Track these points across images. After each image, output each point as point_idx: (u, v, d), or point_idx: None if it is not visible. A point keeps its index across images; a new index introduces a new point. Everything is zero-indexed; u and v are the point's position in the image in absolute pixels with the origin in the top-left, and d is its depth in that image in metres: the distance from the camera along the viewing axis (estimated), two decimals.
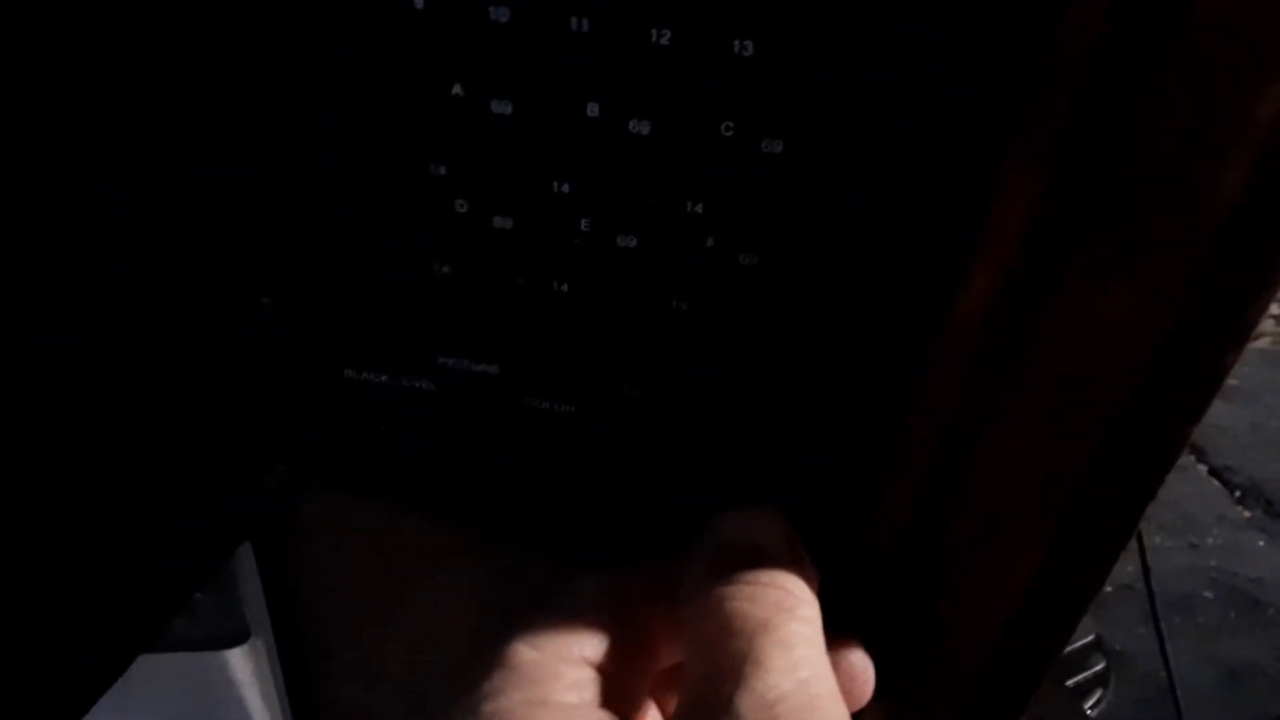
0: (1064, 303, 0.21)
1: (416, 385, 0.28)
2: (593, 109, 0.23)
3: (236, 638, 0.39)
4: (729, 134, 0.23)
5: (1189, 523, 2.12)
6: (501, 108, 0.23)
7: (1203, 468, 2.29)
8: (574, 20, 0.22)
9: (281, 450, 0.31)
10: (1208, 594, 1.95)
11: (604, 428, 0.28)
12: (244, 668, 0.40)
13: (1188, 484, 2.22)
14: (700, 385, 0.27)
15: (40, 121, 0.23)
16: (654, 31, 0.22)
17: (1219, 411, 2.35)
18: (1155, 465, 0.23)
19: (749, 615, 0.22)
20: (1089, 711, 1.56)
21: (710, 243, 0.24)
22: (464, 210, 0.25)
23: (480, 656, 0.24)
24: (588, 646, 0.24)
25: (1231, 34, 0.17)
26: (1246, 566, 2.02)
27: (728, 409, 0.27)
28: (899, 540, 0.27)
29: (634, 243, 0.25)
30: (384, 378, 0.28)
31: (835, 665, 0.25)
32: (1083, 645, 1.61)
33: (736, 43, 0.22)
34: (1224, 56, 0.18)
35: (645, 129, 0.23)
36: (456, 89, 0.23)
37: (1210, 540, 2.09)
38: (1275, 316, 2.62)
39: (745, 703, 0.20)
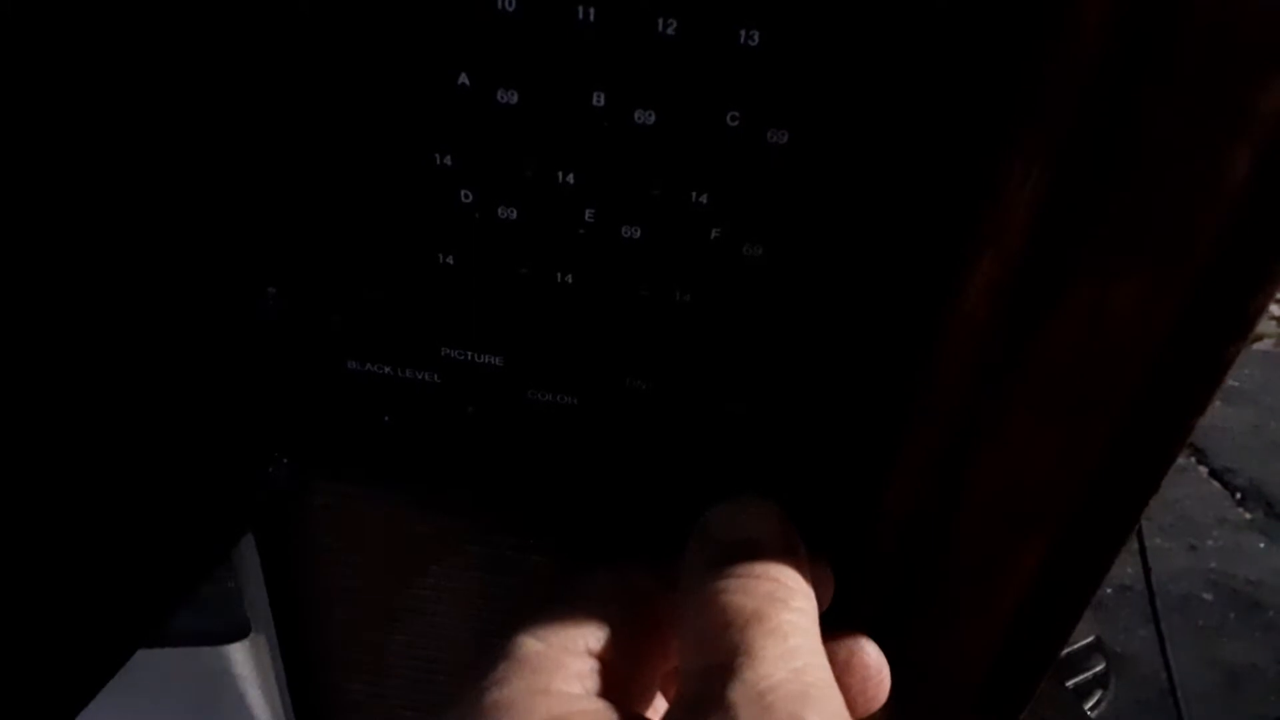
0: (1067, 299, 0.21)
1: (420, 377, 0.28)
2: (598, 98, 0.23)
3: (238, 632, 0.39)
4: (734, 124, 0.23)
5: (1189, 524, 2.12)
6: (507, 97, 0.23)
7: (1203, 469, 2.29)
8: (580, 9, 0.22)
9: (285, 442, 0.31)
10: (1208, 595, 1.95)
11: (606, 420, 0.28)
12: (245, 662, 0.40)
13: (1188, 485, 2.22)
14: (703, 377, 0.27)
15: (42, 117, 0.23)
16: (660, 21, 0.22)
17: (1220, 413, 2.36)
18: (1157, 460, 0.23)
19: (742, 607, 0.22)
20: (1089, 712, 1.55)
21: (715, 234, 0.24)
22: (469, 200, 0.25)
23: (486, 648, 0.24)
24: (593, 638, 0.24)
25: (1232, 34, 0.17)
26: (1247, 568, 2.02)
27: (731, 401, 0.27)
28: (900, 537, 0.27)
29: (638, 234, 0.25)
30: (387, 369, 0.28)
31: (849, 663, 0.25)
32: (1083, 646, 1.61)
33: (743, 33, 0.22)
34: (1226, 56, 0.18)
35: (650, 119, 0.23)
36: (463, 79, 0.23)
37: (1210, 542, 2.09)
38: (1277, 318, 2.63)
39: (738, 693, 0.20)
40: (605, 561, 0.26)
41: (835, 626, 0.25)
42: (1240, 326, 0.20)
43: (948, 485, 0.25)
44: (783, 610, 0.22)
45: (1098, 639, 1.64)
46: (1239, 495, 2.23)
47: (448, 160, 0.24)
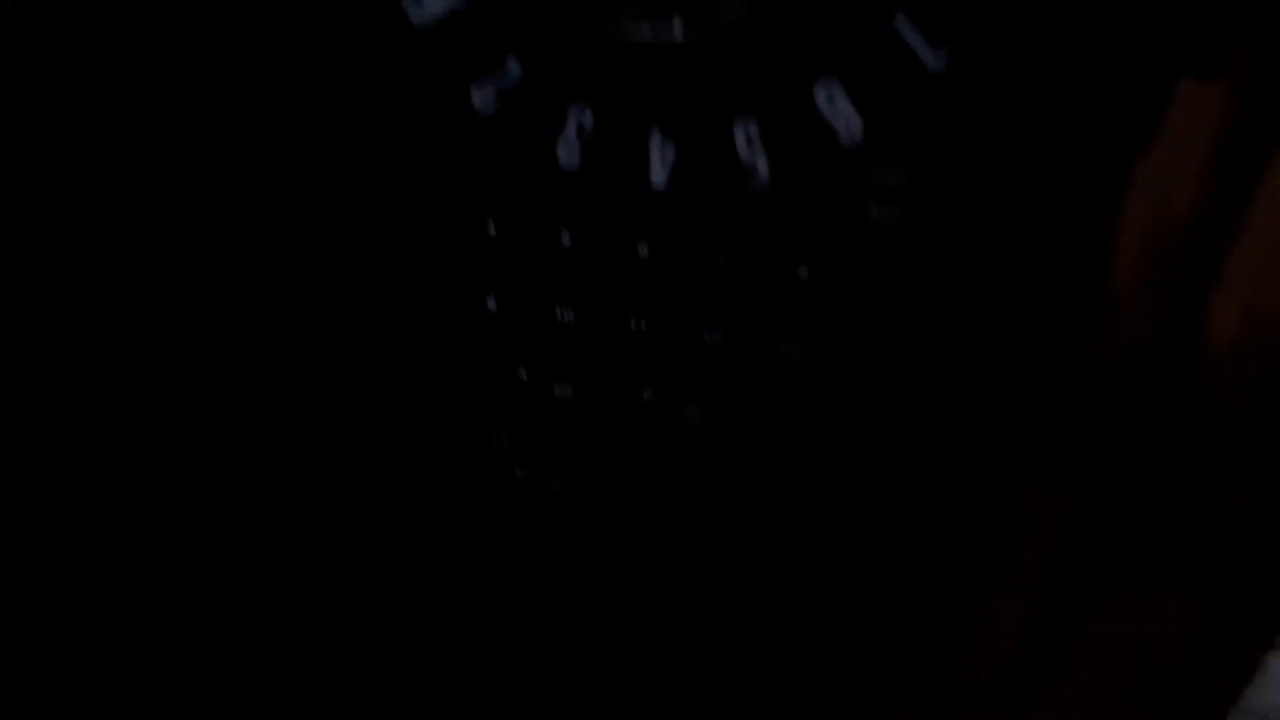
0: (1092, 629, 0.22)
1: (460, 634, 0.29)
2: (648, 394, 0.25)
3: None
4: (772, 424, 0.24)
5: None
6: (563, 391, 0.25)
7: None
8: (633, 321, 0.24)
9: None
10: None
11: (638, 672, 0.29)
12: None
13: None
14: (740, 635, 0.28)
15: (69, 137, 0.24)
16: (706, 332, 0.24)
17: None
18: None
19: None
20: None
21: (753, 521, 0.26)
22: (521, 476, 0.26)
23: None
24: None
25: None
26: (1276, 694, 1.96)
27: (761, 652, 0.28)
28: None
29: (683, 510, 0.26)
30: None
31: None
32: None
33: (782, 345, 0.23)
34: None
35: (696, 414, 0.25)
36: (522, 373, 0.25)
37: None
38: None
39: None
40: None
41: None
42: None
43: None
44: None
45: None
46: None
47: (505, 441, 0.26)
